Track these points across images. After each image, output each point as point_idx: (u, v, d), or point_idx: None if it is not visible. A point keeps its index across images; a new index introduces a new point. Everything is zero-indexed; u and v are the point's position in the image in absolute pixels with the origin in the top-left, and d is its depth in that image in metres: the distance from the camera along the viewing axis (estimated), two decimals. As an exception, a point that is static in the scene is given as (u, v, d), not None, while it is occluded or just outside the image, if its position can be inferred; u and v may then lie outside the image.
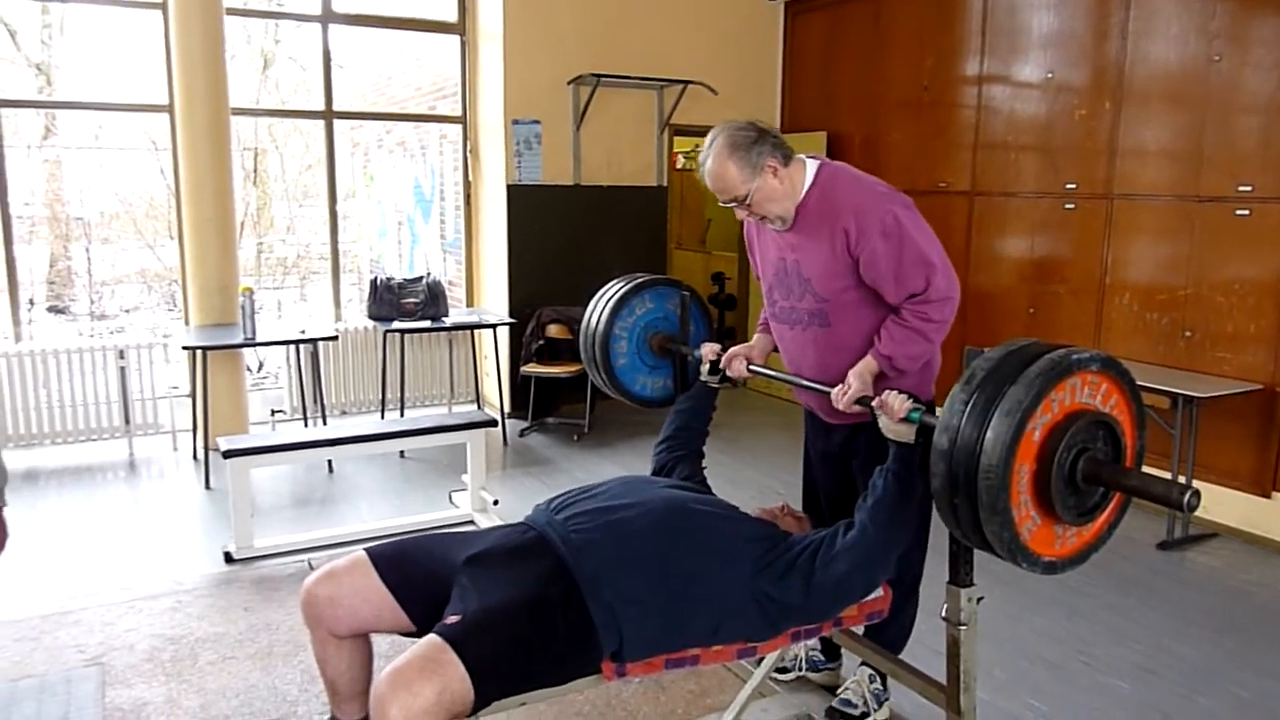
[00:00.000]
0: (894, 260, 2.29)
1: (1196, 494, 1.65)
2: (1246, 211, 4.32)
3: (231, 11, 5.55)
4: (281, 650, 3.19)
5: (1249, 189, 4.30)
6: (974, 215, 5.67)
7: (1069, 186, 5.09)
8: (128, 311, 9.35)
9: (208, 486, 4.91)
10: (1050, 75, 5.18)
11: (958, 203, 5.75)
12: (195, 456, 5.39)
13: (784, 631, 2.07)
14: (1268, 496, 4.34)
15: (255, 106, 8.59)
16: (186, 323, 5.64)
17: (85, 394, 5.41)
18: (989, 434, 1.67)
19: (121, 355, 5.48)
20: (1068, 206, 5.11)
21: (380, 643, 2.17)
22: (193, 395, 5.50)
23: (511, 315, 6.20)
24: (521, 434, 6.03)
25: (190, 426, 5.53)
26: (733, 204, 2.39)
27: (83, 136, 8.98)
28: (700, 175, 2.41)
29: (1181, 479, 4.27)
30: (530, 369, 6.04)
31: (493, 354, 6.22)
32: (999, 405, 1.68)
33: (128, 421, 5.50)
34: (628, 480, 2.27)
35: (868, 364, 2.34)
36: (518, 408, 6.28)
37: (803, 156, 2.42)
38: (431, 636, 1.74)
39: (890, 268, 2.30)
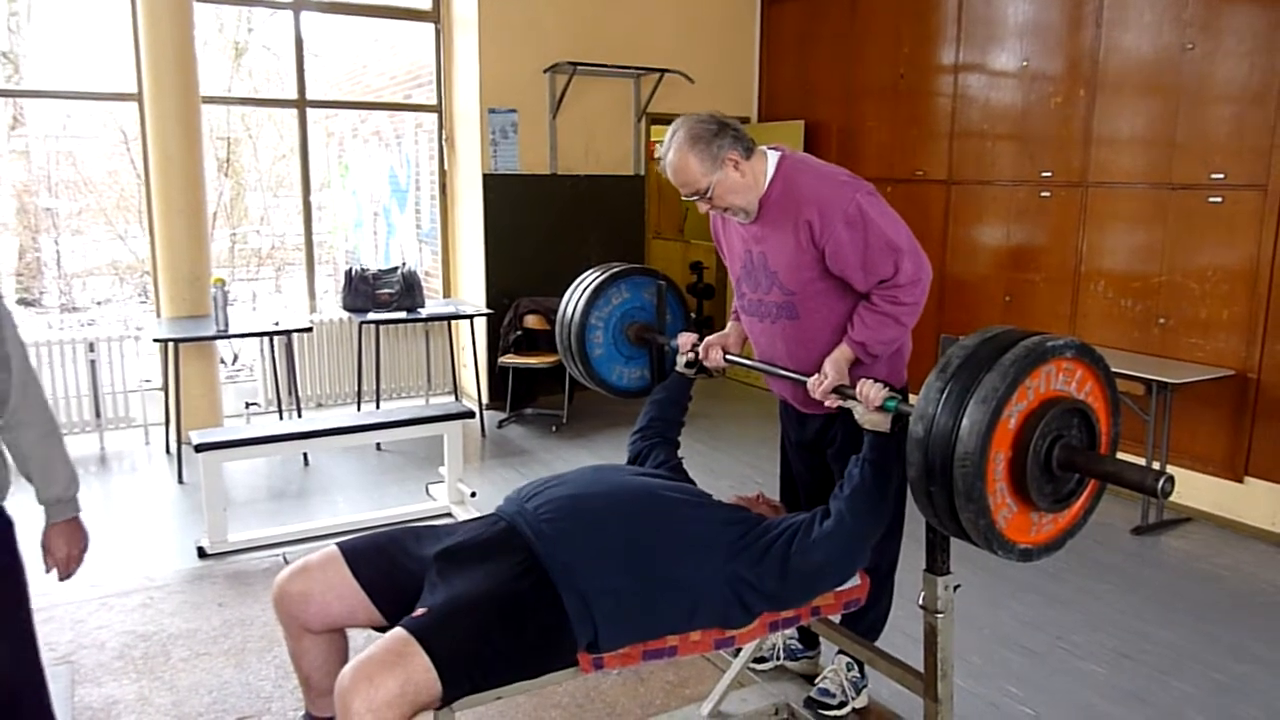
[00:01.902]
0: (860, 248, 2.28)
1: (1170, 480, 1.65)
2: (1219, 199, 4.35)
3: (201, -2, 5.46)
4: (255, 646, 3.15)
5: (1221, 176, 4.33)
6: (950, 204, 5.68)
7: (1045, 175, 5.11)
8: (99, 304, 9.21)
9: (180, 481, 4.85)
10: (1026, 63, 5.19)
11: (934, 191, 5.76)
12: (168, 450, 5.32)
13: (759, 617, 2.07)
14: (1240, 481, 4.38)
15: (227, 95, 8.47)
16: (158, 315, 5.56)
17: (55, 388, 5.33)
18: (964, 422, 1.66)
19: (91, 348, 5.40)
20: (1043, 195, 5.13)
21: (356, 638, 2.15)
22: (165, 388, 5.43)
23: (489, 306, 6.16)
24: (500, 425, 6.00)
25: (163, 420, 5.46)
26: (694, 197, 2.37)
27: (51, 126, 8.82)
28: (662, 168, 2.39)
29: (1156, 465, 4.31)
30: (508, 360, 6.01)
31: (470, 345, 6.18)
32: (974, 393, 1.67)
33: (98, 415, 5.43)
34: (599, 468, 2.26)
35: (843, 352, 2.33)
36: (496, 399, 6.25)
37: (764, 148, 2.40)
38: (397, 630, 1.73)
39: (857, 256, 2.29)
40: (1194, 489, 4.49)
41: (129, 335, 5.62)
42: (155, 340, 5.06)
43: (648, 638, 1.98)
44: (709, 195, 2.34)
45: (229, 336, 5.13)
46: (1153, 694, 2.97)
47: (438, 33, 6.39)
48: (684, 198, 2.40)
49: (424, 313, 5.76)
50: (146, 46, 5.11)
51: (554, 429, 5.90)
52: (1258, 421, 4.29)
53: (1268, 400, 4.25)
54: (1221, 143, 4.33)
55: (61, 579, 1.95)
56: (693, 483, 2.40)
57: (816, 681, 2.80)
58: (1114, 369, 1.86)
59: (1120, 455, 1.87)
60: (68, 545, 1.94)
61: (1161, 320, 4.62)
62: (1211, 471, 4.47)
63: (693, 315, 3.08)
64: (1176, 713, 2.87)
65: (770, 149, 2.41)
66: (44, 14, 8.28)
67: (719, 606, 2.01)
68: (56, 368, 5.32)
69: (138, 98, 5.41)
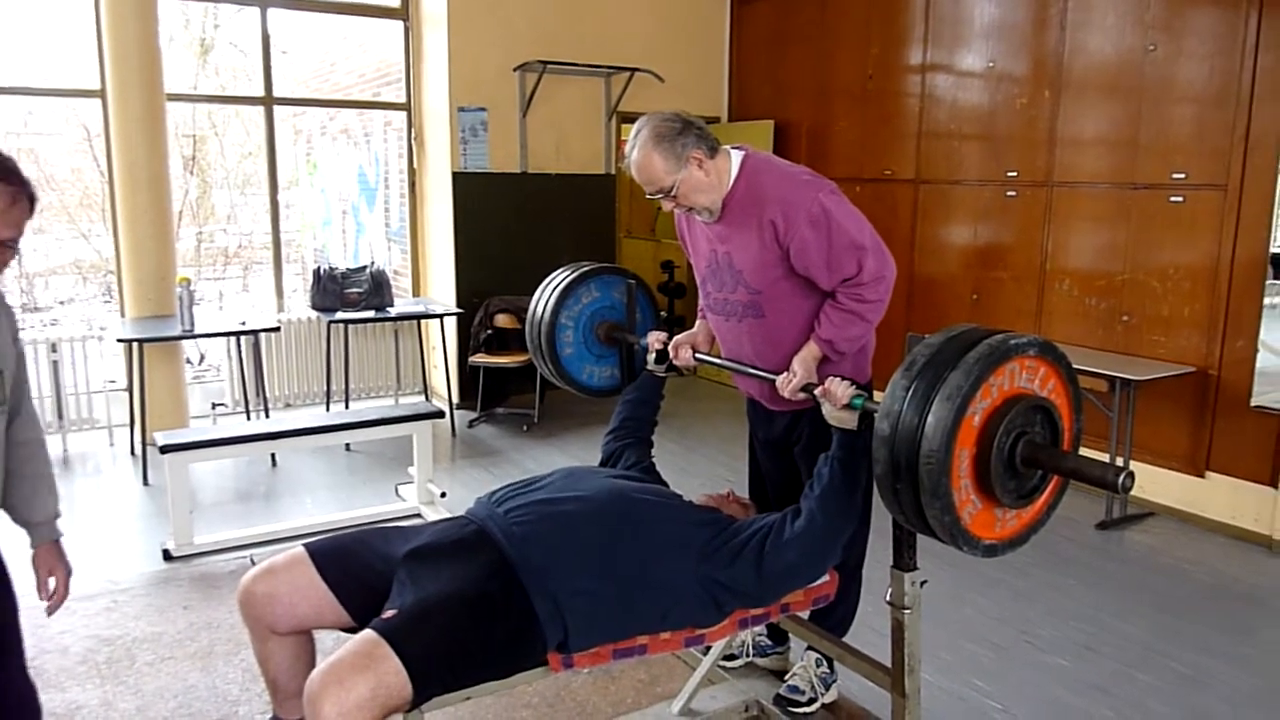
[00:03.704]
0: (824, 248, 2.29)
1: (1130, 475, 1.67)
2: (1180, 198, 4.42)
3: (165, -7, 5.38)
4: (222, 649, 3.12)
5: (1182, 176, 4.40)
6: (918, 203, 5.73)
7: (1010, 174, 5.17)
8: (62, 303, 9.07)
9: (145, 482, 4.79)
10: (992, 64, 5.24)
11: (903, 190, 5.81)
12: (133, 452, 5.25)
13: (730, 616, 2.08)
14: (1201, 476, 4.45)
15: (193, 92, 8.37)
16: (122, 314, 5.48)
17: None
18: (930, 419, 1.68)
19: (54, 349, 5.31)
20: (1009, 194, 5.19)
21: (325, 640, 2.13)
22: (129, 389, 5.35)
23: (459, 305, 6.13)
24: (470, 425, 5.98)
25: (127, 421, 5.38)
26: (658, 195, 2.37)
27: (13, 122, 8.66)
28: (626, 166, 2.39)
29: (1119, 460, 4.38)
30: (479, 359, 5.99)
31: (440, 344, 6.15)
32: (939, 391, 1.69)
33: (61, 417, 5.34)
34: (571, 471, 2.26)
35: (810, 350, 2.34)
36: (466, 398, 6.22)
37: (728, 148, 2.41)
38: (367, 631, 1.72)
39: (821, 256, 2.30)
40: (1157, 484, 4.56)
41: (92, 335, 5.54)
42: (119, 340, 4.98)
43: (619, 638, 1.98)
44: (673, 193, 2.35)
45: (195, 336, 5.07)
46: (1117, 686, 3.02)
47: (407, 30, 6.35)
48: (648, 196, 2.40)
49: (393, 312, 5.73)
50: (110, 42, 5.04)
51: (525, 428, 5.88)
52: (1218, 417, 4.37)
53: (1228, 396, 4.32)
54: (1182, 143, 4.40)
55: (53, 609, 1.95)
56: (665, 484, 2.40)
57: (786, 678, 2.81)
58: (1078, 365, 1.89)
59: (1085, 451, 1.89)
60: (65, 568, 1.95)
61: (1125, 318, 4.69)
62: (1174, 467, 4.55)
63: (663, 314, 3.08)
64: (1140, 704, 2.92)
65: (734, 148, 2.42)
66: (4, 8, 8.14)
67: (692, 607, 2.01)
68: (17, 368, 5.22)
69: (101, 94, 5.33)
